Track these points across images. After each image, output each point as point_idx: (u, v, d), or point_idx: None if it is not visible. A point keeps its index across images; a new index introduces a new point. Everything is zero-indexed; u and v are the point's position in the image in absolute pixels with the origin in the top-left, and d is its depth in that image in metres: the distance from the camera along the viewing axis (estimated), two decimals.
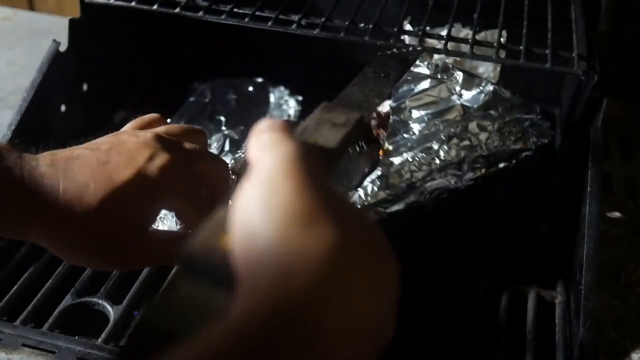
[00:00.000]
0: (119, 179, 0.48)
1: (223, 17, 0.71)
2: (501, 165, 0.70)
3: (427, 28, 0.72)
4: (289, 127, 0.36)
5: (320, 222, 0.29)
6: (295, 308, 0.27)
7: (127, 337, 0.60)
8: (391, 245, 0.33)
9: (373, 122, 0.69)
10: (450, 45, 0.68)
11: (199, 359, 0.25)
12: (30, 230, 0.49)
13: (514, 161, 0.71)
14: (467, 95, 0.71)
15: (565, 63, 0.67)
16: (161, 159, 0.50)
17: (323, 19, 0.70)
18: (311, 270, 0.28)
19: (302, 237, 0.29)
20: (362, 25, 0.70)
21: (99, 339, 0.61)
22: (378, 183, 0.66)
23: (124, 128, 0.57)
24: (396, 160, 0.67)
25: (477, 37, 0.69)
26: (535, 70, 0.67)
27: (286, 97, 0.90)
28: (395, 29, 0.69)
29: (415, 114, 0.69)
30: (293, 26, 0.70)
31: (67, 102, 0.79)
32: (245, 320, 0.26)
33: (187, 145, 0.54)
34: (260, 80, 0.92)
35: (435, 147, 0.67)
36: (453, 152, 0.67)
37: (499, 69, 0.83)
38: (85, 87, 0.82)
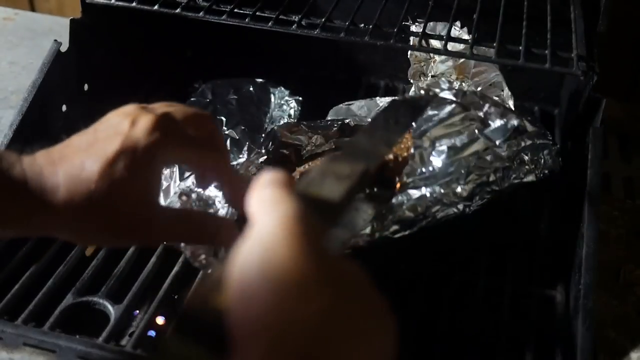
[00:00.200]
0: (109, 150, 0.48)
1: (224, 17, 0.71)
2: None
3: (430, 24, 0.71)
4: (292, 180, 0.36)
5: (316, 289, 0.30)
6: None
7: None
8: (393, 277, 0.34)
9: (390, 163, 0.69)
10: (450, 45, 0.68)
11: None
12: (40, 222, 0.49)
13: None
14: (491, 126, 0.69)
15: (565, 63, 0.67)
16: (144, 121, 0.50)
17: (323, 19, 0.70)
18: (306, 337, 0.29)
19: (299, 304, 0.30)
20: (362, 25, 0.70)
21: (100, 338, 0.61)
22: (390, 217, 0.65)
23: None
24: (414, 194, 0.66)
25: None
26: (534, 71, 0.67)
27: (286, 97, 0.90)
28: (395, 29, 0.69)
29: (438, 146, 0.68)
30: (293, 26, 0.70)
31: (68, 102, 0.79)
32: None
33: (170, 107, 0.54)
34: (260, 80, 0.92)
35: (454, 184, 0.66)
36: (469, 188, 0.67)
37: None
38: (86, 87, 0.83)
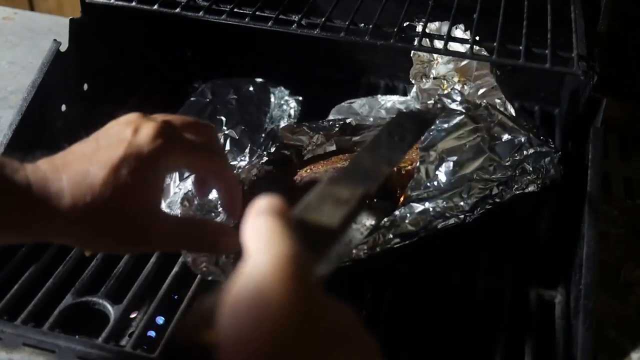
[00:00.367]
0: (113, 157, 0.49)
1: (223, 17, 0.71)
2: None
3: (436, 24, 0.71)
4: (286, 208, 0.36)
5: (307, 333, 0.31)
6: None
7: None
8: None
9: (392, 175, 0.68)
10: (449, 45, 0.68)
11: None
12: (44, 228, 0.49)
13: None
14: (499, 141, 0.69)
15: (565, 63, 0.67)
16: (146, 128, 0.50)
17: (323, 19, 0.70)
18: None
19: (290, 347, 0.31)
20: (362, 25, 0.70)
21: (99, 339, 0.61)
22: (392, 230, 0.65)
23: None
24: (417, 208, 0.65)
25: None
26: (535, 71, 0.67)
27: (286, 97, 0.90)
28: (395, 29, 0.69)
29: (444, 160, 0.68)
30: (293, 26, 0.70)
31: (68, 102, 0.79)
32: None
33: (170, 116, 0.55)
34: (260, 80, 0.92)
35: (456, 198, 0.66)
36: (471, 202, 0.66)
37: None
38: (85, 86, 0.83)
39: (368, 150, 0.50)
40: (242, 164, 0.74)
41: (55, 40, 0.77)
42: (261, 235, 0.34)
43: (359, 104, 0.86)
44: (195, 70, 0.98)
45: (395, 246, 0.65)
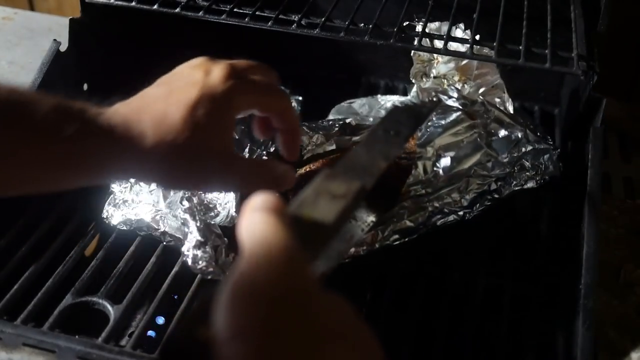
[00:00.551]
0: (189, 98, 0.51)
1: (223, 17, 0.71)
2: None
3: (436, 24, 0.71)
4: (282, 204, 0.36)
5: (303, 326, 0.31)
6: None
7: None
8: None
9: (391, 171, 0.68)
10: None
11: None
12: (131, 167, 0.51)
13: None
14: (495, 137, 0.69)
15: (565, 63, 0.67)
16: (217, 70, 0.53)
17: (323, 19, 0.70)
18: None
19: (285, 340, 0.30)
20: (362, 25, 0.70)
21: (99, 339, 0.61)
22: (391, 227, 0.65)
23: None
24: (416, 204, 0.65)
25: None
26: (534, 70, 0.67)
27: None
28: (395, 29, 0.69)
29: (441, 156, 0.68)
30: (293, 26, 0.70)
31: None
32: None
33: (234, 60, 0.57)
34: None
35: (455, 193, 0.66)
36: (470, 197, 0.67)
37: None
38: (85, 86, 0.83)
39: (364, 145, 0.50)
40: None
41: (55, 40, 0.77)
42: (256, 231, 0.34)
43: (359, 104, 0.86)
44: None
45: (395, 243, 0.65)
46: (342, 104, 0.85)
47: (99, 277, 0.68)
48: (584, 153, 0.67)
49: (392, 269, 0.70)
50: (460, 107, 0.71)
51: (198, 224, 0.64)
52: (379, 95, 0.88)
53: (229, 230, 0.65)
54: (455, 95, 0.72)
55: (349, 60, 1.00)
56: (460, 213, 0.67)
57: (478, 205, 0.67)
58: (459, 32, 0.78)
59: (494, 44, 0.67)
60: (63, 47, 0.77)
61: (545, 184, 0.73)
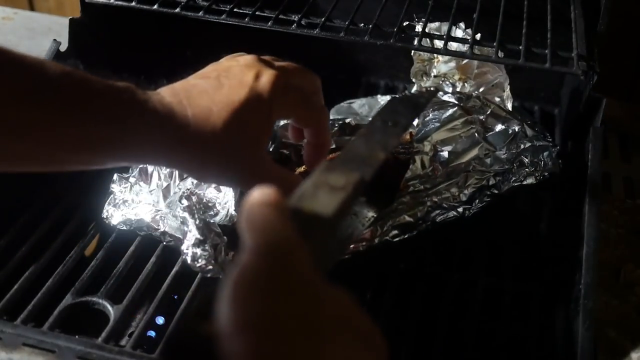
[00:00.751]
0: (236, 99, 0.53)
1: (223, 16, 0.71)
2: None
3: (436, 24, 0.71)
4: (282, 198, 0.36)
5: (305, 319, 0.31)
6: None
7: None
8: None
9: (390, 166, 0.68)
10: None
11: None
12: (167, 155, 0.53)
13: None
14: (492, 131, 0.69)
15: (565, 63, 0.67)
16: (267, 75, 0.55)
17: (323, 19, 0.70)
18: None
19: (287, 334, 0.30)
20: (362, 25, 0.70)
21: (99, 339, 0.61)
22: (390, 222, 0.65)
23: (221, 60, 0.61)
24: (414, 199, 0.65)
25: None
26: (535, 70, 0.67)
27: None
28: (395, 29, 0.69)
29: (439, 151, 0.68)
30: (293, 26, 0.70)
31: None
32: None
33: (282, 62, 0.59)
34: None
35: (453, 188, 0.66)
36: (469, 192, 0.67)
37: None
38: None
39: (362, 137, 0.49)
40: None
41: (55, 40, 0.77)
42: (257, 225, 0.34)
43: (359, 104, 0.86)
44: (195, 70, 0.98)
45: (394, 240, 0.65)
46: (342, 104, 0.85)
47: (99, 277, 0.68)
48: (584, 153, 0.67)
49: (392, 268, 0.70)
50: (457, 103, 0.71)
51: (197, 222, 0.64)
52: (378, 96, 0.88)
53: (228, 229, 0.65)
54: (450, 90, 0.72)
55: (349, 60, 1.00)
56: (460, 209, 0.67)
57: (477, 201, 0.67)
58: (459, 32, 0.79)
59: (494, 43, 0.67)
60: (63, 47, 0.77)
61: (545, 184, 0.73)
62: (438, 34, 0.73)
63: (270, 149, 0.74)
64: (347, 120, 0.78)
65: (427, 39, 0.71)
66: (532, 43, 0.67)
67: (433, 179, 0.67)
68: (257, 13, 0.72)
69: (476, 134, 0.69)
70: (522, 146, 0.69)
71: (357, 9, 0.72)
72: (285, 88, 0.56)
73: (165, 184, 0.70)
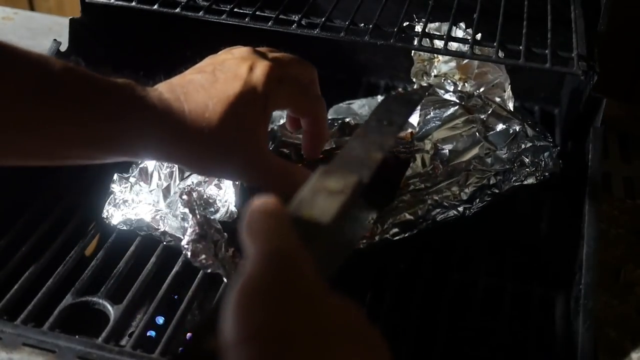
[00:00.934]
0: (231, 93, 0.53)
1: (223, 16, 0.71)
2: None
3: (436, 24, 0.71)
4: (282, 207, 0.36)
5: (309, 329, 0.31)
6: None
7: None
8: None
9: (390, 164, 0.68)
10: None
11: None
12: (166, 150, 0.54)
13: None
14: (493, 130, 0.69)
15: (565, 63, 0.67)
16: (261, 67, 0.55)
17: (323, 19, 0.70)
18: None
19: (292, 345, 0.30)
20: (362, 25, 0.70)
21: (99, 339, 0.61)
22: (390, 220, 0.65)
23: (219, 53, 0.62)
24: (415, 198, 0.66)
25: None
26: (535, 70, 0.67)
27: None
28: (395, 29, 0.69)
29: (439, 149, 0.68)
30: (293, 26, 0.70)
31: None
32: None
33: (277, 53, 0.60)
34: None
35: (454, 187, 0.66)
36: (469, 192, 0.67)
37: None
38: None
39: (358, 138, 0.49)
40: None
41: (55, 40, 0.77)
42: (258, 234, 0.34)
43: (359, 105, 0.86)
44: None
45: (395, 238, 0.65)
46: (341, 104, 0.85)
47: (99, 277, 0.68)
48: (584, 153, 0.67)
49: (392, 268, 0.70)
50: (458, 101, 0.71)
51: (198, 218, 0.64)
52: (378, 96, 0.88)
53: (228, 226, 0.65)
54: (452, 88, 0.73)
55: (349, 60, 1.00)
56: (460, 208, 0.67)
57: (478, 200, 0.67)
58: (459, 32, 0.79)
59: (494, 44, 0.67)
60: (63, 47, 0.77)
61: (545, 184, 0.73)
62: (438, 33, 0.73)
63: (270, 148, 0.74)
64: (347, 120, 0.78)
65: (427, 39, 0.71)
66: (532, 43, 0.67)
67: (434, 178, 0.67)
68: (257, 13, 0.71)
69: (477, 133, 0.69)
70: (522, 146, 0.69)
71: (357, 9, 0.72)
72: (281, 79, 0.56)
73: (165, 184, 0.70)
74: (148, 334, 0.68)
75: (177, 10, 0.72)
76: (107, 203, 0.71)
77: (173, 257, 0.70)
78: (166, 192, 0.70)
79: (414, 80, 0.85)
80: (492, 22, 0.71)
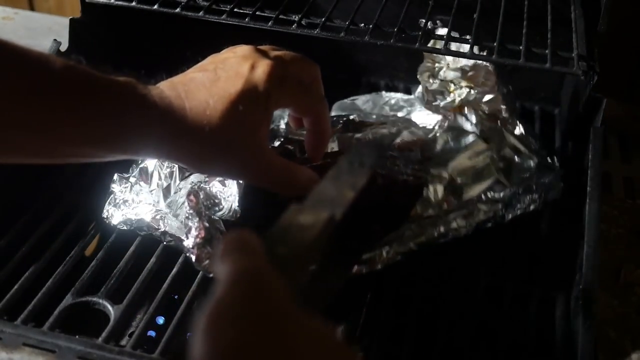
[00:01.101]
0: (232, 91, 0.53)
1: (223, 17, 0.71)
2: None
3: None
4: (255, 241, 0.36)
5: (277, 355, 0.30)
6: None
7: None
8: None
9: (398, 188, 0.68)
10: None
11: None
12: (165, 148, 0.54)
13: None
14: (508, 163, 0.69)
15: (565, 63, 0.67)
16: (263, 65, 0.55)
17: (323, 19, 0.70)
18: None
19: None
20: (362, 25, 0.70)
21: (100, 339, 0.61)
22: (394, 248, 0.65)
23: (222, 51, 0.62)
24: (424, 230, 0.66)
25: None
26: (535, 70, 0.67)
27: None
28: (395, 29, 0.69)
29: (452, 180, 0.68)
30: (293, 26, 0.70)
31: None
32: None
33: (279, 51, 0.59)
34: None
35: (461, 221, 0.66)
36: (475, 222, 0.67)
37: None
38: None
39: (330, 178, 0.50)
40: None
41: (55, 40, 0.77)
42: (228, 259, 0.34)
43: (363, 100, 0.86)
44: None
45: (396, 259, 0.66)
46: (345, 100, 0.85)
47: (99, 277, 0.68)
48: (584, 153, 0.67)
49: (392, 268, 0.70)
50: (476, 132, 0.71)
51: (205, 223, 0.64)
52: (383, 92, 0.88)
53: (231, 225, 0.65)
54: (474, 119, 0.73)
55: (349, 60, 1.00)
56: (462, 231, 0.67)
57: (481, 226, 0.68)
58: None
59: (494, 44, 0.67)
60: (63, 47, 0.77)
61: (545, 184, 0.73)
62: (461, 38, 0.73)
63: (276, 145, 0.74)
64: (352, 117, 0.78)
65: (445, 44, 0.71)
66: (532, 43, 0.67)
67: (443, 208, 0.67)
68: (257, 13, 0.72)
69: (491, 166, 0.69)
70: (534, 179, 0.69)
71: (357, 9, 0.72)
72: (283, 78, 0.56)
73: (165, 184, 0.70)
74: (148, 334, 0.68)
75: (177, 10, 0.72)
76: (107, 203, 0.71)
77: (173, 257, 0.70)
78: (166, 192, 0.70)
79: (419, 77, 0.84)
80: (492, 22, 0.71)
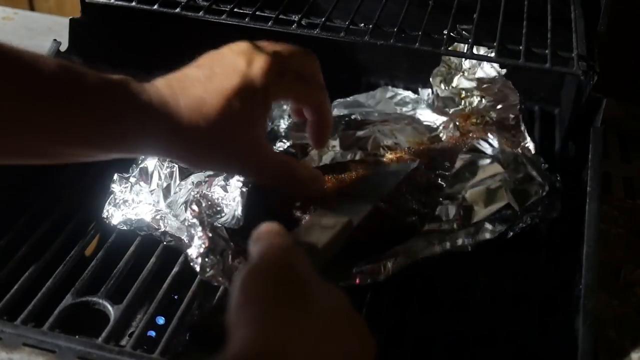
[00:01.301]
0: (228, 87, 0.53)
1: (223, 17, 0.71)
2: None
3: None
4: (284, 230, 0.45)
5: (298, 308, 0.38)
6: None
7: None
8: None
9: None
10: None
11: None
12: (162, 146, 0.54)
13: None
14: (522, 189, 0.70)
15: (565, 63, 0.67)
16: (260, 61, 0.54)
17: (323, 19, 0.70)
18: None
19: (277, 317, 0.37)
20: (362, 25, 0.70)
21: (100, 339, 0.61)
22: (399, 261, 0.65)
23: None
24: (428, 245, 0.66)
25: None
26: (535, 70, 0.67)
27: None
28: (395, 29, 0.69)
29: (466, 202, 0.68)
30: (293, 26, 0.70)
31: None
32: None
33: (277, 46, 0.58)
34: None
35: (467, 238, 0.66)
36: (479, 240, 0.67)
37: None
38: None
39: (347, 195, 0.59)
40: None
41: (55, 40, 0.77)
42: (261, 240, 0.43)
43: (366, 96, 0.85)
44: None
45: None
46: (347, 98, 0.85)
47: (99, 277, 0.68)
48: (584, 153, 0.67)
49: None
50: (493, 155, 0.72)
51: (208, 232, 0.63)
52: (389, 87, 0.88)
53: (234, 235, 0.65)
54: (496, 144, 0.73)
55: (349, 60, 1.00)
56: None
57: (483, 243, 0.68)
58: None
59: (494, 44, 0.67)
60: (63, 47, 0.77)
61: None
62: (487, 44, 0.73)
63: (276, 146, 0.74)
64: (353, 117, 0.78)
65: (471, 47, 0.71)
66: (532, 43, 0.67)
67: (452, 227, 0.67)
68: (257, 13, 0.72)
69: (504, 191, 0.69)
70: (538, 200, 0.70)
71: (357, 9, 0.72)
72: (281, 72, 0.55)
73: (165, 184, 0.70)
74: (148, 334, 0.68)
75: (177, 10, 0.72)
76: (107, 203, 0.71)
77: (173, 257, 0.70)
78: (166, 192, 0.70)
79: (431, 80, 0.84)
80: (492, 22, 0.71)
